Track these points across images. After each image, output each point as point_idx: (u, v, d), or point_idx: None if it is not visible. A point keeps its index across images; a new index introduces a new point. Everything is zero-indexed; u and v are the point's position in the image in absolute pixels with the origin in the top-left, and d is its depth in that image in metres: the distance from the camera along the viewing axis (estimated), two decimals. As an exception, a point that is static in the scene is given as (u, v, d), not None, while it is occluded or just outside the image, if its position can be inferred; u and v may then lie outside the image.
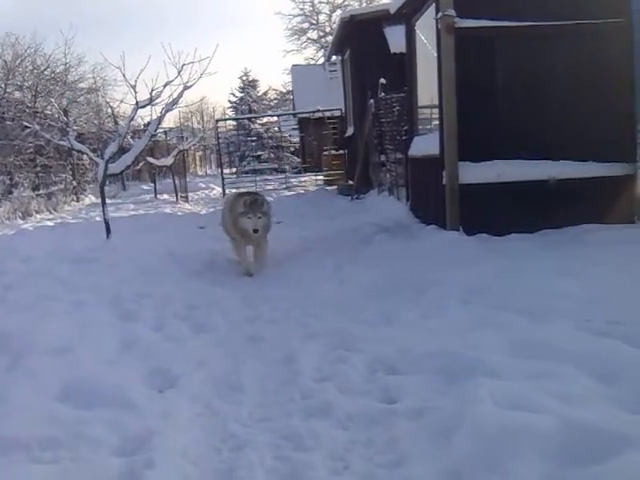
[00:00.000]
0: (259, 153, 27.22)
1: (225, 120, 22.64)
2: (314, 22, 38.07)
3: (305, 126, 22.08)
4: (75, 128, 16.89)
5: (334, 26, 28.62)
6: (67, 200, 16.00)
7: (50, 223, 11.23)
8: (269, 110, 34.92)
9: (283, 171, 22.24)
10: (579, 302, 3.66)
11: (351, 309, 4.23)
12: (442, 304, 4.02)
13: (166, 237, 8.23)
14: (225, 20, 78.83)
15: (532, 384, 2.59)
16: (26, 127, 14.24)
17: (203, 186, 20.80)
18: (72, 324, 3.93)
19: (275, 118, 25.39)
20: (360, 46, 12.87)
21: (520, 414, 2.29)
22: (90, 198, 17.30)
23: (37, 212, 13.37)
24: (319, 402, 2.81)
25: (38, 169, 15.34)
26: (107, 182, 8.84)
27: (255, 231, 5.53)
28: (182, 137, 19.24)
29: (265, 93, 36.92)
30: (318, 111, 17.68)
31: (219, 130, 19.66)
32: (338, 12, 32.68)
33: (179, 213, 12.57)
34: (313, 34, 38.38)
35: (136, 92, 7.80)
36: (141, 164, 19.02)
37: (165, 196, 17.35)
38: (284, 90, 40.02)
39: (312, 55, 38.60)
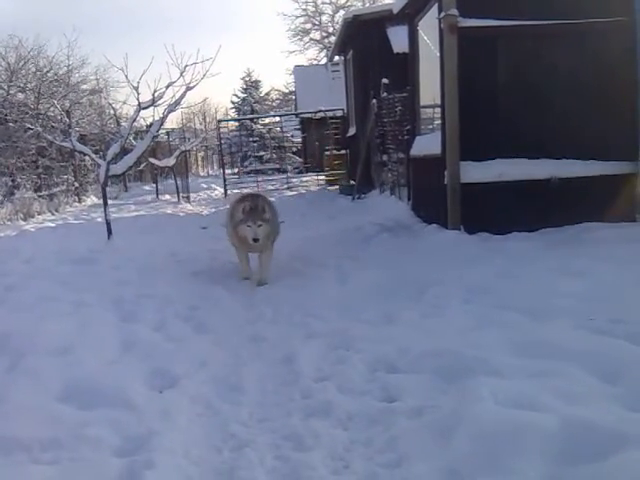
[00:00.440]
0: (261, 153, 27.25)
1: (227, 121, 22.71)
2: (317, 23, 38.07)
3: (307, 126, 22.11)
4: (77, 129, 16.93)
5: (337, 27, 28.62)
6: (69, 201, 16.02)
7: (52, 224, 11.24)
8: (271, 111, 34.95)
9: (285, 171, 22.25)
10: (581, 301, 3.64)
11: (352, 309, 4.22)
12: (443, 303, 4.02)
13: (168, 238, 8.24)
14: (228, 21, 78.83)
15: (533, 383, 2.58)
16: (29, 129, 14.31)
17: (205, 187, 20.81)
18: (73, 325, 3.93)
19: (277, 118, 25.43)
20: (363, 46, 12.88)
21: (521, 413, 2.28)
22: (92, 199, 17.33)
23: (39, 213, 13.39)
24: (319, 402, 2.81)
25: (40, 170, 15.38)
26: (109, 183, 8.84)
27: (255, 241, 5.15)
28: (184, 138, 19.29)
29: (267, 94, 36.98)
30: (320, 111, 17.69)
31: (221, 131, 19.69)
32: (341, 13, 32.65)
33: (181, 214, 12.58)
34: (316, 35, 38.38)
35: (139, 93, 7.82)
36: (143, 165, 19.06)
37: (167, 197, 17.37)
38: (286, 91, 40.06)
39: (315, 56, 38.63)
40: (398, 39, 11.05)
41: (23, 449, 2.44)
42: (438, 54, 6.42)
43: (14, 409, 2.77)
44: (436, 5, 6.47)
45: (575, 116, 5.97)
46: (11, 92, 16.20)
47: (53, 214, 13.77)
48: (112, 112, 19.98)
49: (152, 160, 15.99)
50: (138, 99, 7.89)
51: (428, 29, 7.26)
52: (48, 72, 18.28)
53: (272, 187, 18.18)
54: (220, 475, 2.30)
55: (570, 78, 6.03)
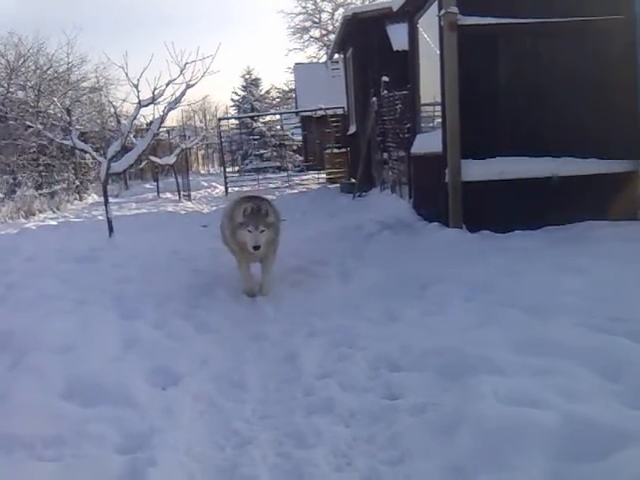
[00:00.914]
0: (261, 151, 27.22)
1: (228, 119, 22.72)
2: (316, 20, 38.06)
3: (307, 124, 22.12)
4: (78, 127, 16.90)
5: (337, 24, 28.59)
6: (70, 199, 16.02)
7: (53, 222, 11.24)
8: (272, 109, 34.94)
9: (285, 169, 22.25)
10: (582, 299, 3.64)
11: (354, 306, 4.22)
12: (445, 301, 4.02)
13: (169, 236, 8.24)
14: (228, 19, 78.86)
15: (535, 380, 2.58)
16: (29, 127, 14.29)
17: (206, 185, 20.82)
18: (75, 322, 3.93)
19: (278, 116, 25.43)
20: (363, 44, 12.87)
21: (523, 410, 2.29)
22: (93, 197, 17.34)
23: (40, 211, 13.39)
24: (321, 399, 2.81)
25: (41, 168, 15.36)
26: (110, 181, 8.85)
27: (255, 248, 4.55)
28: (185, 136, 19.29)
29: (268, 92, 36.96)
30: (320, 109, 17.69)
31: (222, 129, 19.71)
32: (341, 10, 32.65)
33: (182, 212, 12.58)
34: (316, 32, 38.38)
35: (139, 91, 7.83)
36: (144, 163, 19.05)
37: (168, 195, 17.37)
38: (287, 89, 40.06)
39: (315, 53, 38.65)
40: (398, 37, 11.05)
41: (25, 446, 2.45)
42: (438, 52, 6.42)
43: (17, 407, 2.77)
44: (436, 3, 6.46)
45: (576, 114, 5.97)
46: (11, 90, 16.19)
47: (54, 212, 13.77)
48: (112, 110, 19.91)
49: (153, 158, 15.98)
50: (138, 97, 7.91)
51: (428, 27, 7.26)
52: (48, 70, 18.30)
53: (273, 185, 18.18)
54: (222, 472, 2.31)
55: (571, 76, 6.02)
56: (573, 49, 6.00)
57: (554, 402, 2.34)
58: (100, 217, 10.64)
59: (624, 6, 5.93)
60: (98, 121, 21.09)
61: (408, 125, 8.84)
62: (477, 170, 6.04)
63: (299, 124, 24.27)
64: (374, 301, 4.29)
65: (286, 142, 26.53)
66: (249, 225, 4.58)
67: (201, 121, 44.23)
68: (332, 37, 26.30)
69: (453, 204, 6.12)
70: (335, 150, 17.11)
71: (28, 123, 14.13)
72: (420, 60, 7.93)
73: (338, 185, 14.89)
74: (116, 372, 3.14)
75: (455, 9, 5.91)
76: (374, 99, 11.27)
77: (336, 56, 18.44)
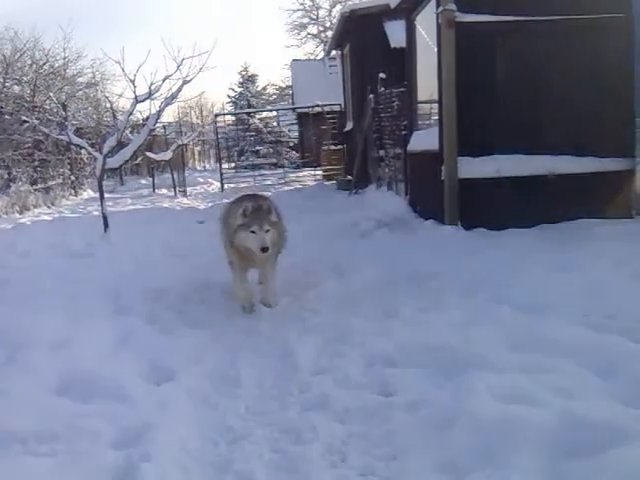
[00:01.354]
0: (258, 148, 27.14)
1: (224, 115, 22.64)
2: (314, 17, 38.03)
3: (304, 121, 22.07)
4: (74, 122, 16.87)
5: (334, 21, 28.59)
6: (65, 194, 15.97)
7: (48, 217, 11.21)
8: (268, 105, 34.85)
9: (282, 166, 22.22)
10: (577, 297, 3.65)
11: (349, 303, 4.23)
12: (440, 298, 4.02)
13: (164, 231, 8.22)
14: (225, 14, 78.51)
15: (530, 378, 2.59)
16: (25, 121, 14.22)
17: (202, 181, 20.79)
18: (69, 318, 3.92)
19: (274, 113, 25.37)
20: (360, 41, 12.85)
21: (517, 407, 2.29)
22: (88, 192, 17.29)
23: (35, 206, 13.35)
24: (316, 395, 2.82)
25: (36, 163, 15.32)
26: (105, 177, 8.82)
27: (264, 250, 3.96)
28: (181, 132, 19.22)
29: (264, 88, 36.91)
30: (317, 106, 17.66)
31: (218, 125, 19.63)
32: (338, 7, 32.60)
33: (177, 208, 12.55)
34: (313, 29, 38.37)
35: (135, 86, 7.80)
36: (140, 159, 19.01)
37: (163, 191, 17.34)
38: (283, 85, 39.97)
39: (312, 50, 38.62)
40: (395, 34, 11.04)
41: (19, 441, 2.44)
42: (435, 49, 6.41)
43: (10, 402, 2.77)
44: (434, 0, 6.45)
45: (572, 112, 5.97)
46: (7, 84, 16.13)
47: (49, 207, 13.73)
48: (108, 105, 19.88)
49: (149, 154, 15.93)
50: (135, 92, 7.87)
51: (426, 24, 7.25)
52: (44, 64, 18.22)
53: (269, 182, 18.15)
54: (217, 468, 2.31)
55: (568, 74, 6.02)
56: (570, 47, 6.00)
57: (549, 399, 2.35)
58: (95, 213, 10.60)
59: (621, 5, 5.93)
60: (94, 116, 21.03)
61: (405, 122, 8.83)
62: (473, 168, 6.04)
63: (295, 121, 24.22)
64: (370, 298, 4.29)
65: (282, 139, 26.47)
66: (252, 225, 4.00)
67: (197, 117, 44.11)
68: (329, 34, 26.27)
69: (449, 201, 6.12)
70: (332, 147, 17.09)
71: (24, 118, 14.06)
72: (417, 57, 7.92)
73: (334, 182, 14.87)
74: (110, 367, 3.14)
75: (453, 6, 5.91)
76: (371, 96, 11.26)
77: (333, 53, 18.42)
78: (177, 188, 16.21)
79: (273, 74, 72.48)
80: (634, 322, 3.16)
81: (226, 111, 29.77)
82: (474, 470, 2.06)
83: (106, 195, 8.78)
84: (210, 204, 12.86)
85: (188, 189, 16.74)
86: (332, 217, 8.84)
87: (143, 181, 22.18)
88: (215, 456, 2.39)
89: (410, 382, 2.81)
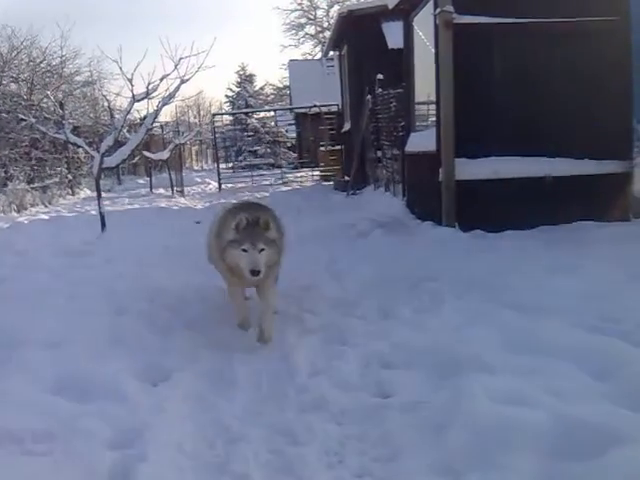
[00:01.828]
0: (255, 148, 27.17)
1: (222, 114, 22.67)
2: (312, 17, 38.05)
3: (302, 121, 22.06)
4: (71, 121, 16.83)
5: (332, 21, 28.57)
6: (62, 193, 15.94)
7: (45, 216, 11.19)
8: (266, 105, 34.85)
9: (279, 166, 22.23)
10: (574, 299, 3.66)
11: (346, 304, 4.23)
12: (437, 299, 4.02)
13: (161, 231, 8.21)
14: (223, 14, 78.50)
15: (526, 380, 2.59)
16: (22, 120, 14.19)
17: (199, 181, 20.78)
18: (66, 317, 3.92)
19: (272, 113, 25.37)
20: (358, 42, 12.85)
21: (514, 409, 2.29)
22: (85, 192, 17.26)
23: (32, 205, 13.32)
24: (313, 397, 2.82)
25: (33, 162, 15.29)
26: (102, 176, 8.81)
27: (254, 273, 3.37)
28: (178, 131, 19.22)
29: (262, 88, 36.92)
30: (315, 106, 17.66)
31: (215, 124, 19.64)
32: (336, 7, 32.61)
33: (175, 207, 12.53)
34: (311, 29, 38.39)
35: (133, 85, 7.80)
36: (137, 158, 18.98)
37: (161, 190, 17.32)
38: (281, 85, 39.97)
39: (310, 50, 38.65)
40: (393, 35, 11.03)
41: (15, 441, 2.43)
42: (433, 50, 6.42)
43: (6, 401, 2.75)
44: (432, 1, 6.46)
45: (570, 114, 5.98)
46: (4, 82, 16.10)
47: (46, 206, 13.70)
48: (106, 104, 19.87)
49: (146, 153, 15.93)
50: (132, 91, 7.87)
51: (423, 25, 7.26)
52: (41, 63, 18.20)
53: (267, 182, 18.16)
54: (214, 469, 2.30)
55: (565, 76, 6.03)
56: (568, 49, 6.00)
57: (545, 401, 2.35)
58: (92, 212, 10.58)
59: (618, 8, 5.94)
60: (91, 115, 21.00)
61: (402, 123, 8.83)
62: (471, 169, 6.05)
63: (293, 121, 24.22)
64: (367, 299, 4.29)
65: (280, 139, 26.49)
66: (244, 243, 3.42)
67: (195, 117, 44.14)
68: (327, 34, 26.28)
69: (446, 203, 6.12)
70: (329, 147, 17.10)
71: (21, 116, 14.04)
72: (415, 58, 7.92)
73: (332, 183, 14.87)
74: (107, 367, 3.12)
75: (451, 8, 5.91)
76: (369, 97, 11.26)
77: (331, 53, 18.42)
78: (175, 188, 16.20)
79: (271, 74, 72.41)
80: (632, 325, 3.16)
81: (224, 111, 29.78)
82: (470, 471, 2.06)
83: (103, 194, 8.79)
84: (207, 204, 12.86)
85: (186, 189, 16.73)
86: (329, 218, 8.84)
87: (141, 181, 22.14)
88: (211, 457, 2.39)
89: (407, 383, 2.82)
